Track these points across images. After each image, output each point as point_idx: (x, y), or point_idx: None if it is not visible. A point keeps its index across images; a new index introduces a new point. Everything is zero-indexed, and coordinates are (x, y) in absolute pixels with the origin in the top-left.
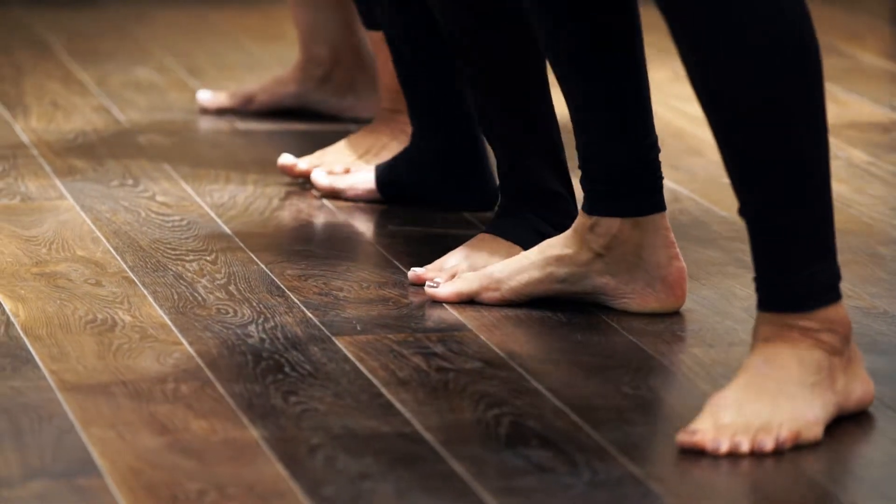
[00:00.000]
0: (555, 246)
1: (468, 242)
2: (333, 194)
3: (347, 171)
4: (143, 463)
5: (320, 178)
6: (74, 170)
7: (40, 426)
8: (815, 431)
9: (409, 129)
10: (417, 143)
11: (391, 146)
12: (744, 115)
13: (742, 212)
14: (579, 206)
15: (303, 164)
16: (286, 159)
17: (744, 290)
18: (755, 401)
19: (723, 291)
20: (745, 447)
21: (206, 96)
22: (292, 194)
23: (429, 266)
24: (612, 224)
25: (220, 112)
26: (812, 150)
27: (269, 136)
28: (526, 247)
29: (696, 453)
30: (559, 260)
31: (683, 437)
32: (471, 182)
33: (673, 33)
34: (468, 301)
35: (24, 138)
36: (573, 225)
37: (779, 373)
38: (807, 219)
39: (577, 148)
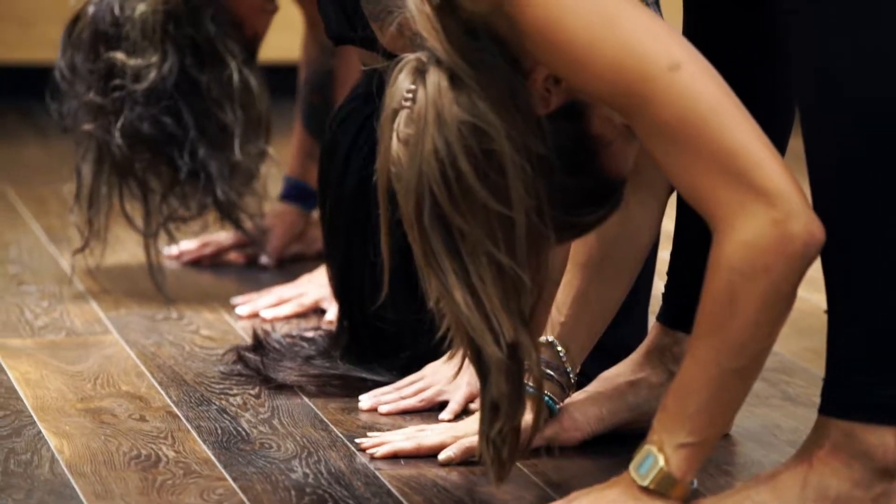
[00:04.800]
0: (623, 374)
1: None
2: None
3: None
4: None
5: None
6: (119, 304)
7: None
8: None
9: None
10: None
11: None
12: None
13: (833, 306)
14: None
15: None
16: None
17: (789, 422)
18: None
19: (768, 424)
20: None
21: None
22: None
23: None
24: None
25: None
26: None
27: (306, 269)
28: None
29: None
30: (633, 385)
31: None
32: None
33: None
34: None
35: (71, 272)
36: (644, 346)
37: (767, 494)
38: None
39: (680, 263)
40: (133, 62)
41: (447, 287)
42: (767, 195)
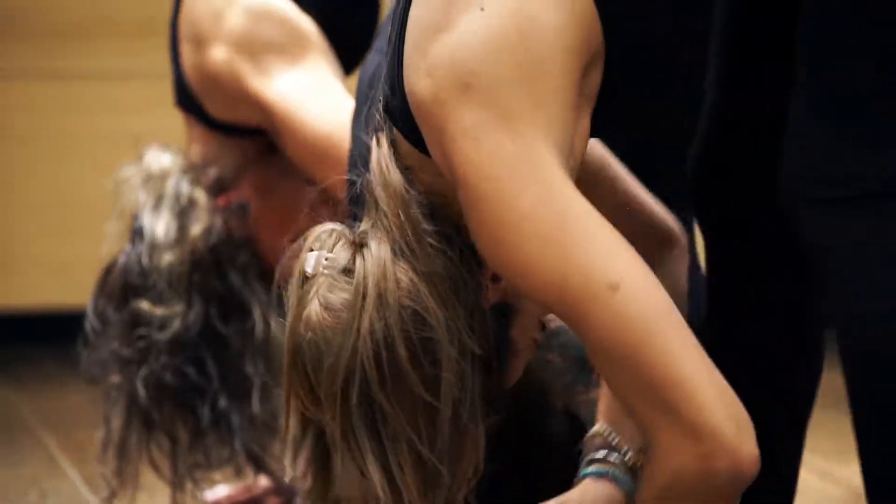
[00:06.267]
0: None
1: None
2: None
3: None
4: None
5: None
6: None
7: None
8: None
9: None
10: None
11: None
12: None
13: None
14: None
15: None
16: None
17: None
18: None
19: None
20: None
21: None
22: None
23: None
24: None
25: None
26: None
27: None
28: None
29: None
30: None
31: None
32: None
33: None
34: None
35: None
36: None
37: None
38: None
39: None
40: (159, 312)
41: (365, 469)
42: (695, 431)
